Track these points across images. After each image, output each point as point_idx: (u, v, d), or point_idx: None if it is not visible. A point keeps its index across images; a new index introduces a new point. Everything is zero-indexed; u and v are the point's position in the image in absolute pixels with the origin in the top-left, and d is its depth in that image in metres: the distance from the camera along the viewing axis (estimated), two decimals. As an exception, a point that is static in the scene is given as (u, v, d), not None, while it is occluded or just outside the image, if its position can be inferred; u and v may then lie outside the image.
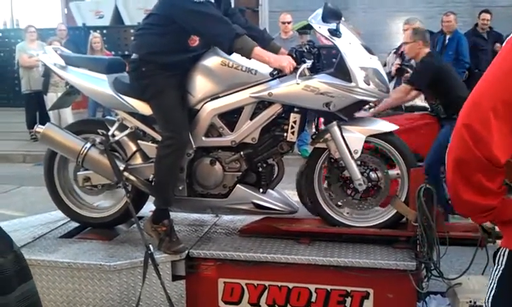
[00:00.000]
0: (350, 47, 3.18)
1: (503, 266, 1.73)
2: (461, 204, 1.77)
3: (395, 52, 7.15)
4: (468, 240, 3.26)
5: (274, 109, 3.29)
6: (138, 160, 3.52)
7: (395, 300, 3.07)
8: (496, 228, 2.79)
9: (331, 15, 3.14)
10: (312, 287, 3.14)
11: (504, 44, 1.69)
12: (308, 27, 3.39)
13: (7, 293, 1.26)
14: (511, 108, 1.57)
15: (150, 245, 3.13)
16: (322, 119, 3.62)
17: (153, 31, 3.30)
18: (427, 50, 5.11)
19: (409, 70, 5.83)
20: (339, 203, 3.45)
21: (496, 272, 1.73)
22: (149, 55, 3.28)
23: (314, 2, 3.87)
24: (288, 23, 8.37)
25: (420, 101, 5.59)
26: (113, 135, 3.51)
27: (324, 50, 3.86)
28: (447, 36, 8.09)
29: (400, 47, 6.93)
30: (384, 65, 6.44)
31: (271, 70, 3.14)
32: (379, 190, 3.33)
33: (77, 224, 3.84)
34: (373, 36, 10.12)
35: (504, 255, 1.71)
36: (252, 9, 13.29)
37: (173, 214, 3.52)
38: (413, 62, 5.58)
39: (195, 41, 3.35)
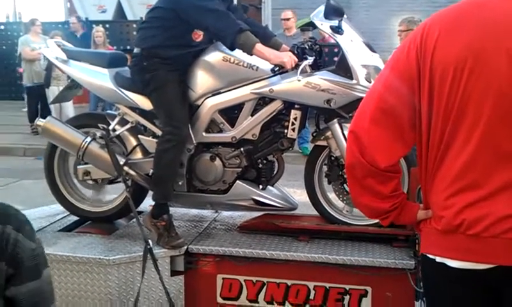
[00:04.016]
0: (352, 44, 3.17)
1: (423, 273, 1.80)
2: (360, 207, 1.86)
3: (396, 51, 7.14)
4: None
5: (275, 106, 3.28)
6: (138, 154, 3.52)
7: (394, 299, 3.06)
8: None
9: (333, 12, 3.14)
10: (311, 284, 3.13)
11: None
12: (311, 25, 3.38)
13: (38, 277, 1.36)
14: (389, 116, 1.65)
15: (149, 240, 3.13)
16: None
17: (157, 24, 3.30)
18: None
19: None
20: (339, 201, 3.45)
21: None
22: (152, 48, 3.28)
23: (317, 0, 3.86)
24: (288, 19, 8.37)
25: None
26: (114, 130, 3.51)
27: (326, 48, 3.86)
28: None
29: (402, 45, 6.91)
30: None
31: (272, 66, 3.14)
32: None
33: (76, 218, 3.84)
34: (375, 34, 10.09)
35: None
36: (255, 6, 13.26)
37: (172, 209, 3.52)
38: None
39: (199, 36, 3.35)
